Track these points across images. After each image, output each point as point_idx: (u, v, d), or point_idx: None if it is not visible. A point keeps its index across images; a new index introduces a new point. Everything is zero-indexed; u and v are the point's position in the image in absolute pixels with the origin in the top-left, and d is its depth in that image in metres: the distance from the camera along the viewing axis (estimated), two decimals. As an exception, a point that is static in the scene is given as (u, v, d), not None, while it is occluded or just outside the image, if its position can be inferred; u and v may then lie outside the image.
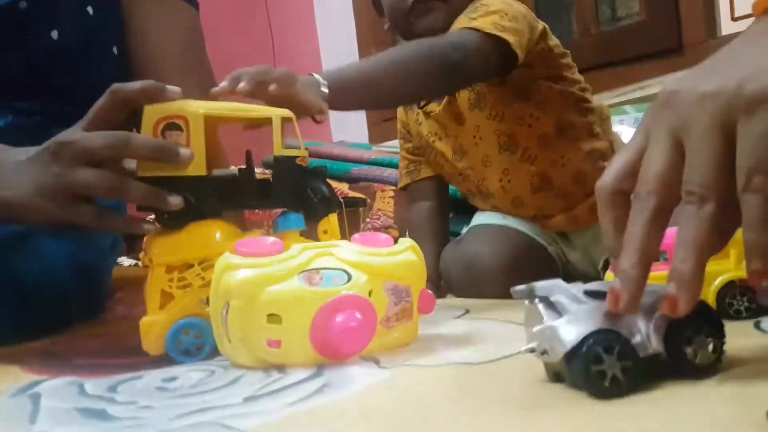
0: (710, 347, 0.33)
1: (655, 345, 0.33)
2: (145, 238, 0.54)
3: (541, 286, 0.36)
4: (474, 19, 0.72)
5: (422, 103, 0.86)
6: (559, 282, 0.36)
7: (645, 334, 0.33)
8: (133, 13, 0.77)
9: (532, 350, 0.35)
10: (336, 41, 2.14)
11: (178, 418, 0.36)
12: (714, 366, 0.33)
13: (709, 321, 0.34)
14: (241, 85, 0.55)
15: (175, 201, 0.51)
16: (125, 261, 1.39)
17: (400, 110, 0.93)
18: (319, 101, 0.61)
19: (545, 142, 0.80)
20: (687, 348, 0.33)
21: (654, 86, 1.17)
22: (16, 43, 0.68)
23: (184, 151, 0.51)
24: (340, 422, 0.34)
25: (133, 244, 1.28)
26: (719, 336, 0.34)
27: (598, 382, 0.32)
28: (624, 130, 1.00)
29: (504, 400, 0.35)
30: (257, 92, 0.57)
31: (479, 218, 0.87)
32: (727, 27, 1.47)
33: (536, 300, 0.36)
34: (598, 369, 0.32)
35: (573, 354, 0.32)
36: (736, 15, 1.47)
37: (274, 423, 0.34)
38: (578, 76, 0.83)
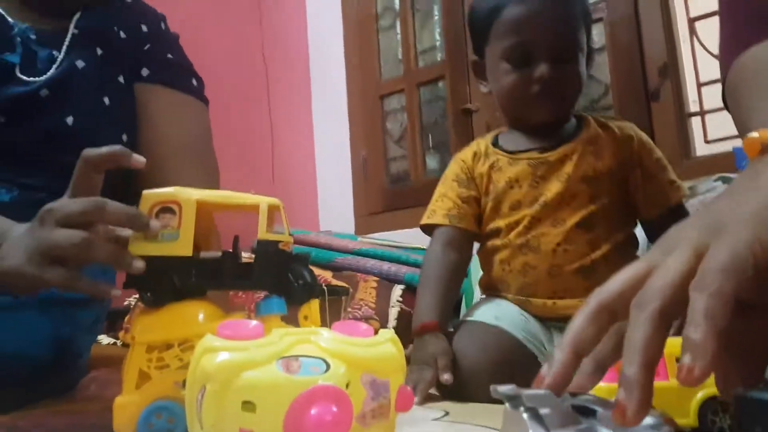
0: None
1: None
2: (129, 317, 0.54)
3: (529, 394, 0.33)
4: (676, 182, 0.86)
5: (512, 148, 0.90)
6: (549, 394, 0.34)
7: None
8: (147, 107, 0.82)
9: None
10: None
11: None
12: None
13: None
14: None
15: (138, 264, 0.52)
16: (104, 339, 1.35)
17: (468, 154, 0.94)
18: None
19: (611, 233, 0.85)
20: None
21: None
22: (33, 125, 0.73)
23: (153, 222, 0.53)
24: None
25: (114, 323, 1.26)
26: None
27: None
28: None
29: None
30: None
31: (472, 313, 0.87)
32: (701, 148, 1.56)
33: (521, 408, 0.33)
34: None
35: None
36: (708, 138, 1.56)
37: None
38: None
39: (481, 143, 0.94)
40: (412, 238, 1.04)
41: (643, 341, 0.31)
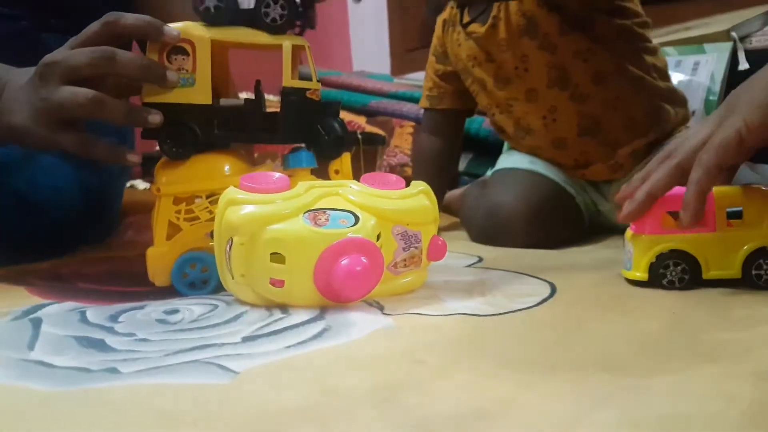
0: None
1: None
2: (155, 167, 0.53)
3: None
4: None
5: (464, 21, 0.80)
6: None
7: None
8: None
9: None
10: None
11: (173, 355, 0.36)
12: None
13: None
14: None
15: (155, 119, 0.50)
16: (140, 184, 1.38)
17: (438, 25, 0.87)
18: None
19: (600, 80, 0.74)
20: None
21: (700, 27, 1.09)
22: None
23: (171, 73, 0.49)
24: (337, 369, 0.33)
25: (149, 167, 1.27)
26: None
27: None
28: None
29: (503, 357, 0.34)
30: None
31: (505, 161, 0.83)
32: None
33: None
34: None
35: None
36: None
37: (268, 366, 0.34)
38: (638, 8, 0.76)
39: (452, 3, 0.83)
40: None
41: (697, 183, 0.45)
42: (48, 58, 0.50)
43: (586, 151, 0.77)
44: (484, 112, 0.86)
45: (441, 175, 0.88)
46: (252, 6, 0.50)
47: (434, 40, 0.88)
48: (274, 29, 0.51)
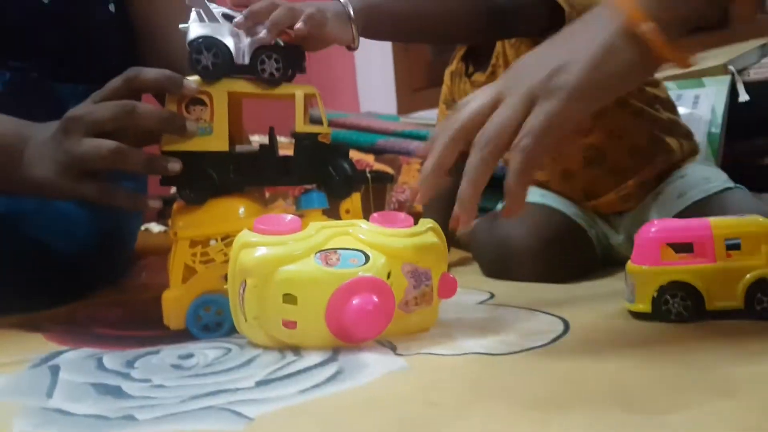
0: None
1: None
2: (172, 211, 0.54)
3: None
4: None
5: (469, 70, 0.84)
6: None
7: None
8: None
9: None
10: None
11: (189, 401, 0.36)
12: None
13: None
14: (263, 33, 0.53)
15: (174, 167, 0.51)
16: (155, 227, 1.40)
17: (447, 75, 0.91)
18: (349, 37, 0.59)
19: (601, 114, 0.74)
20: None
21: (699, 61, 1.11)
22: (5, 7, 0.66)
23: (190, 124, 0.51)
24: (351, 413, 0.33)
25: (164, 210, 1.28)
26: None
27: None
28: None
29: (519, 397, 0.34)
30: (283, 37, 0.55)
31: None
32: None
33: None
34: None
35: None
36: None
37: (283, 411, 0.34)
38: None
39: (458, 58, 0.87)
40: (458, 114, 0.99)
41: (475, 171, 0.43)
42: (71, 112, 0.52)
43: (594, 181, 0.78)
44: None
45: (450, 212, 0.89)
46: (247, 62, 0.52)
47: (444, 90, 0.91)
48: (272, 83, 0.53)
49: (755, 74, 0.98)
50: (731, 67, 0.99)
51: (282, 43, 0.53)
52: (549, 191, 0.81)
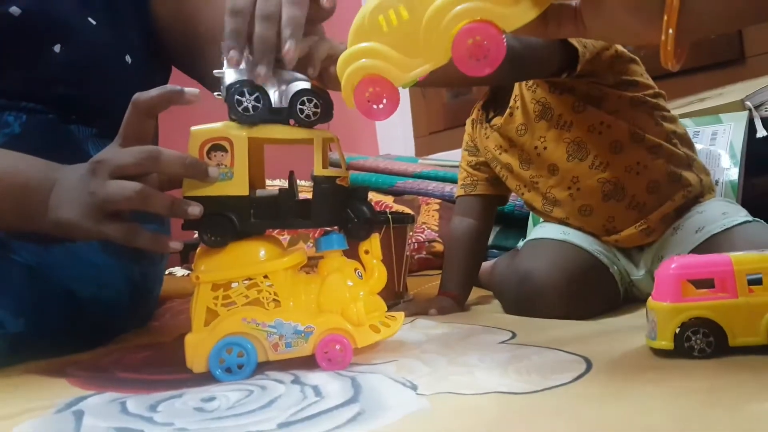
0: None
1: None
2: (195, 255, 0.55)
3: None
4: None
5: (489, 116, 0.87)
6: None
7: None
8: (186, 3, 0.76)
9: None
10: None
11: (212, 443, 0.36)
12: None
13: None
14: (310, 71, 0.55)
15: (195, 211, 0.52)
16: (178, 271, 1.42)
17: (468, 124, 0.94)
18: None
19: (618, 149, 0.77)
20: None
21: (714, 98, 1.11)
22: (15, 54, 0.67)
23: (212, 170, 0.52)
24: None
25: (186, 254, 1.30)
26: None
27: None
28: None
29: (545, 437, 0.34)
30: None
31: (537, 232, 0.85)
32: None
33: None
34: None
35: None
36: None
37: (306, 453, 0.34)
38: (650, 81, 0.80)
39: (478, 106, 0.92)
40: (475, 156, 1.02)
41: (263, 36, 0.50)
42: (98, 156, 0.54)
43: (613, 215, 0.78)
44: (514, 192, 0.91)
45: (473, 255, 0.90)
46: (285, 105, 0.54)
47: (465, 137, 0.95)
48: (307, 124, 0.54)
49: (772, 109, 0.99)
50: (748, 103, 0.99)
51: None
52: (570, 227, 0.81)
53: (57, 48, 0.68)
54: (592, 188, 0.78)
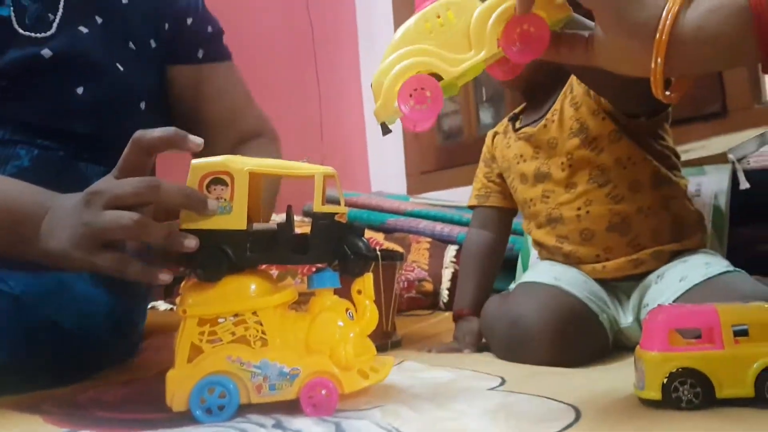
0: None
1: None
2: (182, 288, 0.54)
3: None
4: None
5: (516, 126, 0.90)
6: None
7: None
8: (203, 85, 0.82)
9: None
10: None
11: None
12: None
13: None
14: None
15: (191, 243, 0.51)
16: (161, 305, 1.40)
17: (489, 137, 0.97)
18: None
19: (637, 189, 0.80)
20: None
21: (698, 150, 1.13)
22: (39, 95, 0.69)
23: (211, 202, 0.52)
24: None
25: (170, 288, 1.28)
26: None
27: None
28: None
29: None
30: None
31: (530, 275, 0.85)
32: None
33: None
34: None
35: None
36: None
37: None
38: (671, 141, 0.84)
39: (504, 121, 0.95)
40: (466, 196, 1.02)
41: None
42: (94, 187, 0.53)
43: (611, 247, 0.80)
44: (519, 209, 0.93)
45: (488, 269, 0.93)
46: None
47: (484, 150, 0.98)
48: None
49: (755, 162, 1.01)
50: (731, 156, 1.02)
51: None
52: (559, 264, 0.83)
53: (80, 90, 0.70)
54: (601, 215, 0.80)
